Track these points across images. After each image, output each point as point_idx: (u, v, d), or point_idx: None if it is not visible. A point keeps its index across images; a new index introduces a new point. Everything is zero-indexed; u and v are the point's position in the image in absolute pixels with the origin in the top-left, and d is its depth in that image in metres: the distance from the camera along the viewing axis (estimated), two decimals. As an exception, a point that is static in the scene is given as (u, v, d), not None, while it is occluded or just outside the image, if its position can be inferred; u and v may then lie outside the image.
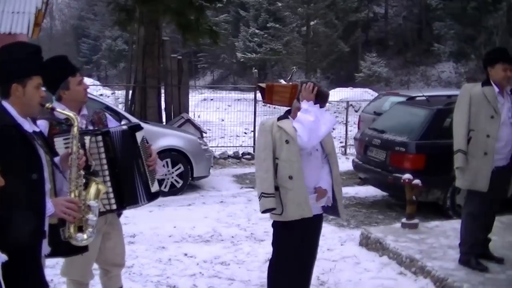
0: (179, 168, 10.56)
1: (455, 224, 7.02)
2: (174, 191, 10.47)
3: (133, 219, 8.01)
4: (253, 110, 15.87)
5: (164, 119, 14.66)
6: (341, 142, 16.31)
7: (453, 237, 6.68)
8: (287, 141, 4.51)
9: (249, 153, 15.04)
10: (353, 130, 15.76)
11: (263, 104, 7.36)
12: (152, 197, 4.07)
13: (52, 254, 3.35)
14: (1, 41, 4.07)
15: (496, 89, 5.71)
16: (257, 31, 43.40)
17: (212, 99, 22.20)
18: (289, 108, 4.75)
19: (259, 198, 4.59)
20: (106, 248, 4.20)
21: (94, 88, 23.57)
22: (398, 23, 46.36)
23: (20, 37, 12.04)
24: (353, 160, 10.49)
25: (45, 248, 3.23)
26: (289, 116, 4.67)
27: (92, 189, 3.34)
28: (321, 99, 4.58)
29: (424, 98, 9.94)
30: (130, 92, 16.77)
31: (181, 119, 13.56)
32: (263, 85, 4.94)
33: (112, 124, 4.21)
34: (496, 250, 6.14)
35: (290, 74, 37.10)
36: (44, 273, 3.23)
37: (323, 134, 4.55)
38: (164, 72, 14.69)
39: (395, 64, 42.41)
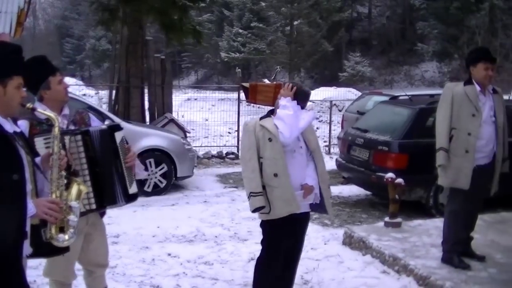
0: (163, 168, 10.53)
1: (438, 223, 7.06)
2: (157, 191, 10.44)
3: (117, 219, 7.98)
4: (237, 110, 15.85)
5: (147, 119, 14.62)
6: (324, 142, 16.32)
7: (436, 235, 6.73)
8: (270, 139, 4.54)
9: (233, 153, 14.99)
10: (337, 130, 15.78)
11: (247, 103, 7.37)
12: (130, 198, 4.06)
13: (33, 255, 3.32)
14: (-17, 41, 4.03)
15: (478, 88, 5.78)
16: (240, 30, 43.46)
17: (196, 99, 22.19)
18: (272, 108, 4.77)
19: (248, 198, 4.62)
20: (89, 249, 4.18)
21: (78, 88, 23.44)
22: (381, 23, 46.62)
23: (2, 37, 11.91)
24: (336, 159, 10.51)
25: (27, 249, 3.20)
26: (271, 115, 4.68)
27: (74, 189, 3.33)
28: (300, 97, 4.61)
29: (407, 97, 9.99)
30: (114, 92, 16.68)
31: (164, 119, 13.52)
32: (246, 84, 4.95)
33: (95, 124, 4.19)
34: (478, 248, 6.20)
35: (274, 73, 37.24)
36: (25, 274, 3.21)
37: (303, 127, 4.59)
38: (148, 72, 14.62)
39: (379, 64, 42.61)
